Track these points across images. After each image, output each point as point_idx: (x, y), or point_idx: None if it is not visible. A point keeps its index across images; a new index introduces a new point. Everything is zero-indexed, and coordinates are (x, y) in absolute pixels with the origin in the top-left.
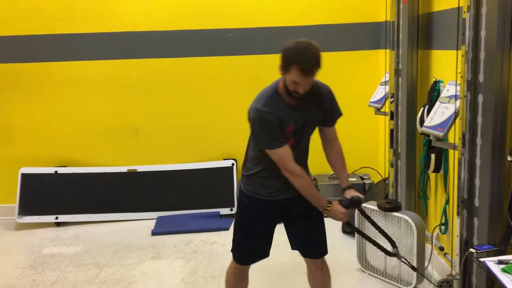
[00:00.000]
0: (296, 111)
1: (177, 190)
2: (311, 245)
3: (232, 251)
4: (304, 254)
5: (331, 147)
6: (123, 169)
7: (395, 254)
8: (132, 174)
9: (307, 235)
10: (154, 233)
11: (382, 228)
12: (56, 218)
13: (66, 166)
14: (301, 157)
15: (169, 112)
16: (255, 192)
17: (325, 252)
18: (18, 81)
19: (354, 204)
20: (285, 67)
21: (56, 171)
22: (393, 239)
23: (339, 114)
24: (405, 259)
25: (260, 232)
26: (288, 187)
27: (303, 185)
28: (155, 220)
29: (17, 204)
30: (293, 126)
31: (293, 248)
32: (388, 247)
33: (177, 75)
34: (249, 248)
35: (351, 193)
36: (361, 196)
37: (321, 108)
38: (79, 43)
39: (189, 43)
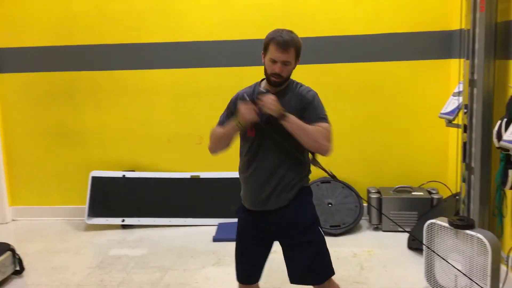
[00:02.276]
0: (279, 99)
1: (238, 197)
2: (298, 273)
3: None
4: (294, 281)
5: None
6: (187, 175)
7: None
8: (195, 180)
9: (293, 260)
10: (216, 239)
11: (449, 250)
12: (123, 220)
13: (133, 171)
14: (278, 156)
15: None
16: (242, 194)
17: (317, 280)
18: (91, 88)
19: (257, 93)
20: (264, 48)
21: (124, 175)
22: (465, 258)
23: (318, 117)
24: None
25: (247, 248)
26: (249, 196)
27: (212, 133)
28: (217, 226)
29: (87, 206)
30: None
31: (290, 280)
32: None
33: (242, 83)
34: (239, 266)
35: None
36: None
37: (297, 107)
38: (149, 52)
39: (255, 52)
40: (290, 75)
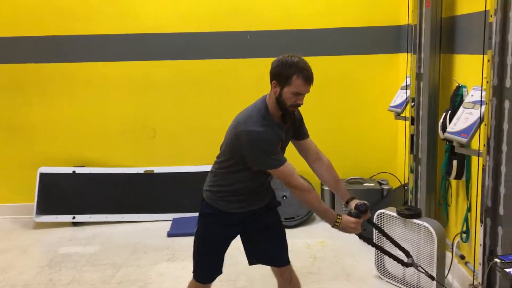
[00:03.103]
0: (282, 129)
1: (193, 192)
2: (273, 253)
3: (195, 270)
4: (267, 262)
5: (319, 160)
6: (140, 170)
7: (411, 264)
8: (148, 175)
9: (269, 243)
10: (170, 234)
11: (397, 238)
12: (73, 217)
13: (84, 166)
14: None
15: (187, 114)
16: (222, 206)
17: (288, 261)
18: (38, 81)
19: (363, 211)
20: (285, 80)
21: (74, 171)
22: (413, 246)
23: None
24: (422, 268)
25: (222, 247)
26: (254, 200)
27: (312, 200)
28: (171, 221)
29: (35, 203)
30: (281, 145)
31: (252, 261)
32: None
33: (196, 77)
34: (210, 265)
35: (355, 202)
36: (366, 202)
37: (294, 125)
38: (99, 44)
39: (208, 45)
40: None
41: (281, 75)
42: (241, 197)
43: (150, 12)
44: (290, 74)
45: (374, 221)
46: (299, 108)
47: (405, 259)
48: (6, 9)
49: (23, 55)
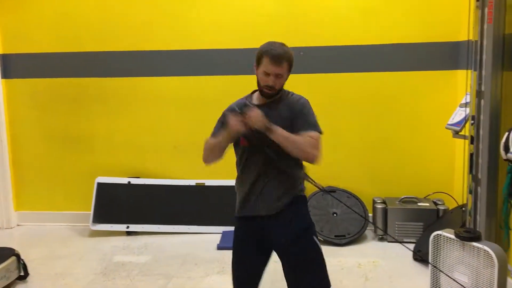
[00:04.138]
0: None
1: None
2: (295, 283)
3: None
4: None
5: None
6: (192, 182)
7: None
8: (200, 187)
9: (288, 270)
10: (220, 247)
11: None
12: (127, 227)
13: (139, 177)
14: (267, 164)
15: None
16: (236, 205)
17: None
18: (99, 95)
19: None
20: (257, 60)
21: (129, 182)
22: (471, 271)
23: (306, 125)
24: (312, 180)
25: (242, 260)
26: (246, 202)
27: (206, 148)
28: (221, 234)
29: (92, 212)
30: None
31: None
32: None
33: (248, 91)
34: (236, 276)
35: None
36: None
37: (288, 116)
38: (158, 59)
39: None
40: (282, 86)
41: (256, 57)
42: (238, 193)
43: (206, 28)
44: (260, 54)
45: (430, 243)
46: (316, 105)
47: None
48: (68, 24)
49: (84, 70)
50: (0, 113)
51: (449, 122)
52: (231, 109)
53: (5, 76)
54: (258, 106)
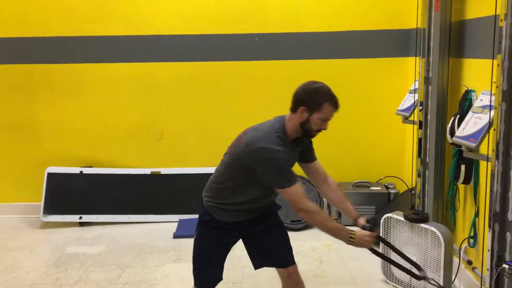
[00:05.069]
0: (294, 152)
1: (199, 194)
2: (279, 253)
3: (195, 277)
4: (274, 263)
5: (326, 183)
6: (147, 171)
7: (424, 277)
8: (155, 176)
9: (273, 244)
10: (176, 236)
11: (404, 242)
12: (80, 218)
13: (91, 167)
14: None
15: (194, 116)
16: (221, 215)
17: (294, 261)
18: (47, 81)
19: (374, 225)
20: (315, 106)
21: (81, 171)
22: (419, 251)
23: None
24: (435, 281)
25: (221, 254)
26: (254, 212)
27: (322, 220)
28: (177, 223)
29: (42, 203)
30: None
31: (257, 265)
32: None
33: (203, 78)
34: (209, 271)
35: (364, 219)
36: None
37: (303, 148)
38: (107, 45)
39: (216, 47)
40: None
41: (312, 101)
42: (242, 208)
43: (158, 13)
44: (322, 101)
45: (381, 225)
46: None
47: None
48: (14, 9)
49: (31, 56)
50: None
51: (399, 108)
52: (369, 228)
53: None
54: (291, 146)
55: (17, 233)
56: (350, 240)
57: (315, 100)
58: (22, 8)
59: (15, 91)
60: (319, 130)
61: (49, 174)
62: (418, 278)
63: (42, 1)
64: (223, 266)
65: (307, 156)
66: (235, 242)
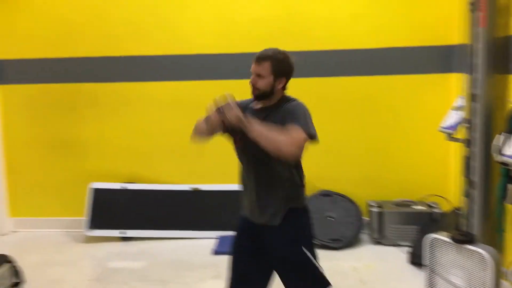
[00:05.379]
0: (252, 114)
1: (238, 210)
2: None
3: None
4: None
5: None
6: (187, 187)
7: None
8: (195, 192)
9: (282, 279)
10: (216, 252)
11: (449, 264)
12: (122, 232)
13: (134, 183)
14: (257, 173)
15: None
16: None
17: None
18: (91, 100)
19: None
20: None
21: (124, 187)
22: (466, 273)
23: (294, 120)
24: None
25: (235, 254)
26: (245, 204)
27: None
28: (216, 239)
29: (86, 218)
30: None
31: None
32: None
33: (243, 96)
34: (229, 270)
35: None
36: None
37: (280, 121)
38: (150, 64)
39: None
40: (268, 89)
41: None
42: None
43: (197, 33)
44: None
45: (426, 246)
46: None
47: None
48: (60, 30)
49: (76, 75)
50: None
51: (442, 125)
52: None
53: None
54: (256, 110)
55: (61, 247)
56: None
57: None
58: (69, 30)
59: (62, 109)
60: (250, 85)
61: (93, 190)
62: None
63: (87, 22)
64: (237, 272)
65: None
66: (246, 250)
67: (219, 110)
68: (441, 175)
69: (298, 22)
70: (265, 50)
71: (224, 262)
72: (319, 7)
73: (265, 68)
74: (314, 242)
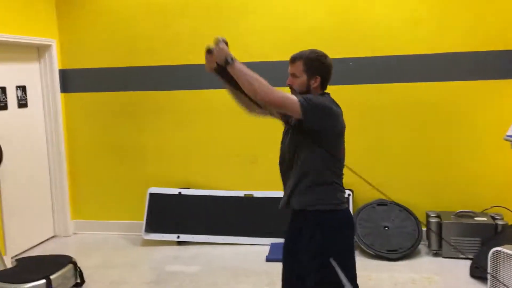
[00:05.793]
0: None
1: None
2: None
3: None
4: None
5: None
6: (241, 193)
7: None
8: (248, 199)
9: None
10: (269, 259)
11: None
12: (178, 237)
13: (189, 188)
14: (287, 165)
15: None
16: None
17: None
18: (153, 107)
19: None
20: None
21: (180, 192)
22: None
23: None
24: None
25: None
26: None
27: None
28: (269, 246)
29: (144, 221)
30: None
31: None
32: None
33: None
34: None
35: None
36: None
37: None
38: (208, 73)
39: None
40: (303, 89)
41: None
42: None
43: (252, 41)
44: None
45: (489, 259)
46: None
47: None
48: (122, 40)
49: (137, 83)
50: (60, 126)
51: (508, 133)
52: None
53: (64, 90)
54: None
55: (120, 250)
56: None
57: None
58: (130, 40)
59: (124, 116)
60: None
61: (151, 194)
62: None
63: (148, 32)
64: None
65: None
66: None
67: (209, 50)
68: (505, 186)
69: (357, 28)
70: (303, 51)
71: (277, 269)
72: (378, 12)
73: (298, 67)
74: (351, 252)
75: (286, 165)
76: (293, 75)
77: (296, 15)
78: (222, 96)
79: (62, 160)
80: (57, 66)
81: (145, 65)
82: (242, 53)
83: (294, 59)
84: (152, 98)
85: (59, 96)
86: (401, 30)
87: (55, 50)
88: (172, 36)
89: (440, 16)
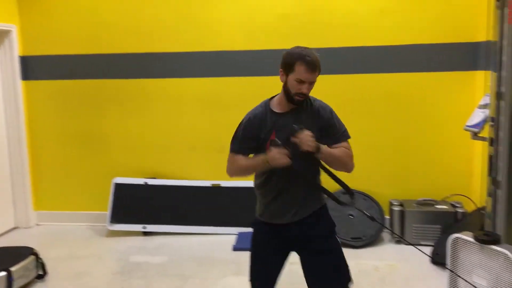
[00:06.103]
0: (279, 116)
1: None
2: (321, 279)
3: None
4: None
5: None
6: (208, 183)
7: (347, 204)
8: (216, 188)
9: (314, 268)
10: (236, 248)
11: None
12: (144, 227)
13: (155, 178)
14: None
15: None
16: (258, 213)
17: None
18: (115, 96)
19: (286, 139)
20: (289, 67)
21: (146, 182)
22: (491, 274)
23: (341, 136)
24: (363, 211)
25: (266, 259)
26: (274, 211)
27: (241, 168)
28: (237, 235)
29: (109, 212)
30: (274, 132)
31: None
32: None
33: (265, 92)
34: (255, 272)
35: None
36: (294, 127)
37: (315, 124)
38: (173, 61)
39: (278, 61)
40: None
41: (286, 62)
42: (263, 202)
43: (221, 30)
44: (293, 61)
45: (449, 246)
46: (340, 112)
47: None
48: (86, 27)
49: (102, 71)
50: (20, 114)
51: (468, 124)
52: (273, 142)
53: (25, 77)
54: (281, 113)
55: (85, 241)
56: (267, 162)
57: (288, 61)
58: (93, 27)
59: (86, 104)
60: (299, 94)
61: (116, 185)
62: (340, 203)
63: (113, 19)
64: (268, 275)
65: (323, 135)
66: (280, 253)
67: (293, 141)
68: (465, 174)
69: (322, 18)
70: (311, 54)
71: (245, 258)
72: (344, 3)
73: (317, 75)
74: None
75: (295, 183)
76: (312, 83)
77: (264, 4)
78: (189, 85)
79: (22, 149)
80: (17, 53)
81: (109, 52)
82: (211, 42)
83: (316, 67)
84: (117, 86)
85: (20, 83)
86: (368, 20)
87: (15, 36)
88: (137, 24)
89: (407, 8)
